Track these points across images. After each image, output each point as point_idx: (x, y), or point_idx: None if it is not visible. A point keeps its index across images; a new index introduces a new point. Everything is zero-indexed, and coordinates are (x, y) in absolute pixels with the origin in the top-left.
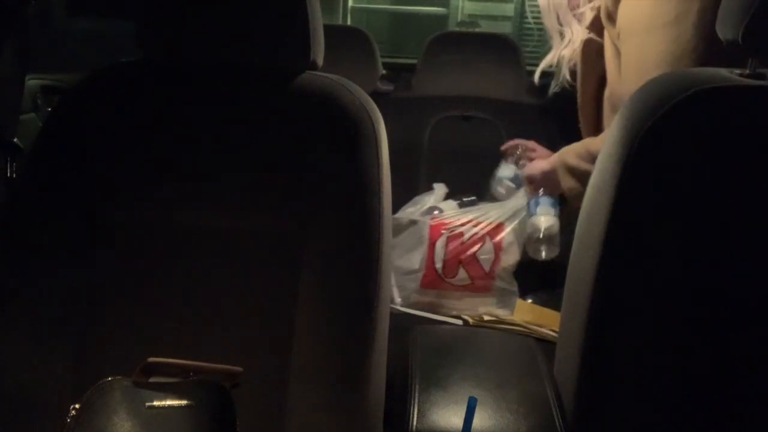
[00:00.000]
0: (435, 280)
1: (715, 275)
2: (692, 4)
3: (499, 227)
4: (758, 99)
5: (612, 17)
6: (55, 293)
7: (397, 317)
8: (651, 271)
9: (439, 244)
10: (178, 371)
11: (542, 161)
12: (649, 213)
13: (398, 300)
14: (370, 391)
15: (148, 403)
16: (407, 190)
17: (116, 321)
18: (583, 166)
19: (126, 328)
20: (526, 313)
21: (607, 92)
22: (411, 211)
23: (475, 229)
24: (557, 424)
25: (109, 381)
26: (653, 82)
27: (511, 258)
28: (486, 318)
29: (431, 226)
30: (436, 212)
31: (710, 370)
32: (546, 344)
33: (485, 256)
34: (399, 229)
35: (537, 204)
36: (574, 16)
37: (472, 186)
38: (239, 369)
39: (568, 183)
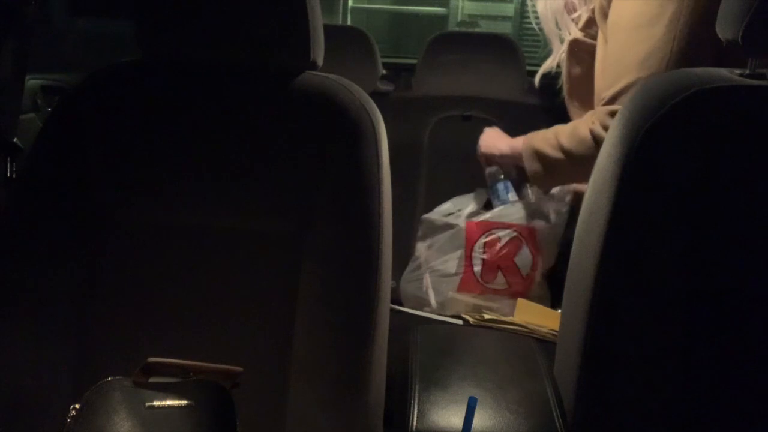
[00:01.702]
0: (473, 284)
1: (715, 275)
2: (667, 7)
3: (532, 232)
4: (758, 99)
5: (606, 15)
6: (55, 293)
7: (397, 317)
8: (651, 270)
9: (477, 248)
10: (178, 371)
11: (501, 141)
12: (649, 213)
13: (433, 303)
14: (370, 391)
15: (148, 403)
16: (407, 190)
17: (116, 321)
18: (550, 153)
19: (126, 328)
20: (526, 313)
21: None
22: (446, 209)
23: (512, 233)
24: (557, 424)
25: (109, 381)
26: (653, 82)
27: (546, 264)
28: (486, 318)
29: (468, 230)
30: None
31: (711, 369)
32: (546, 344)
33: (523, 261)
34: (433, 229)
35: (507, 191)
36: (572, 19)
37: (471, 186)
38: (239, 369)
39: (533, 167)
